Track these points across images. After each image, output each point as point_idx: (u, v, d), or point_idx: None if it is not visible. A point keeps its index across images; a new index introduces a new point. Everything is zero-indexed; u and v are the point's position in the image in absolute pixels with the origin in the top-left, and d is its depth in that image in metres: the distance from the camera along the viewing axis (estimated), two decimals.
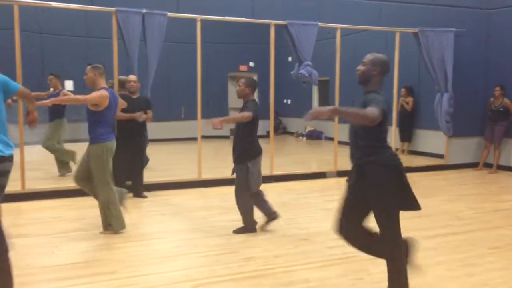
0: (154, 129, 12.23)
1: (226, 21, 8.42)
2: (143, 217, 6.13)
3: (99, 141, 5.04)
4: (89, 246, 4.85)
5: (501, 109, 9.17)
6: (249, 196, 5.29)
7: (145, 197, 7.06)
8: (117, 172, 5.87)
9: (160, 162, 9.86)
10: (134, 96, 6.96)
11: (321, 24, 8.46)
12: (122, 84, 7.13)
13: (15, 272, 4.01)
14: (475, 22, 9.71)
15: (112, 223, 5.22)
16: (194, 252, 4.67)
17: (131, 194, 6.69)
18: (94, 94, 4.99)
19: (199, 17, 7.77)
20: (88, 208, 6.32)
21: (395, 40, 9.22)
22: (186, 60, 12.99)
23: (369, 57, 3.62)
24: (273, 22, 8.25)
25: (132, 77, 6.96)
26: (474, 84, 9.78)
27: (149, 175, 8.07)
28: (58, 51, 12.89)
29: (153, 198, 7.04)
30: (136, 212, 6.34)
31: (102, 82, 5.11)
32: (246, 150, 5.23)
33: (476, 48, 9.76)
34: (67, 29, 13.28)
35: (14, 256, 4.39)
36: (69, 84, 12.69)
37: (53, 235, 5.21)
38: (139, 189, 7.11)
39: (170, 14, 7.48)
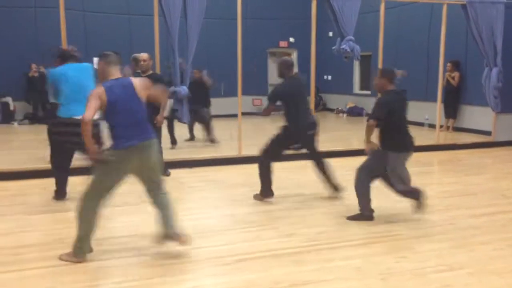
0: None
1: None
2: (184, 193, 6.22)
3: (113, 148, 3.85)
4: (133, 221, 4.96)
5: None
6: (367, 181, 4.91)
7: (168, 174, 6.82)
8: None
9: (200, 139, 9.96)
10: (144, 75, 6.48)
11: None
12: (136, 62, 6.72)
13: (57, 245, 4.19)
14: None
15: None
16: (235, 228, 4.72)
17: None
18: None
19: None
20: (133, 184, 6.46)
21: (442, 13, 8.88)
22: (226, 36, 12.98)
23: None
24: None
25: (144, 55, 6.62)
26: None
27: (190, 152, 8.19)
28: (100, 30, 13.10)
29: (194, 175, 7.13)
30: (177, 188, 6.44)
31: (113, 73, 3.91)
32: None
33: None
34: (109, 7, 13.46)
35: (56, 230, 4.59)
36: None
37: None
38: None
39: None
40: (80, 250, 3.89)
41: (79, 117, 4.09)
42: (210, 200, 5.86)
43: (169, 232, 4.03)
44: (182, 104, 7.67)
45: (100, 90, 3.77)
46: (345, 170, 7.39)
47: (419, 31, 11.52)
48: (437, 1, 9.08)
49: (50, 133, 5.62)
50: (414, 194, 4.86)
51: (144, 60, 6.58)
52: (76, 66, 5.46)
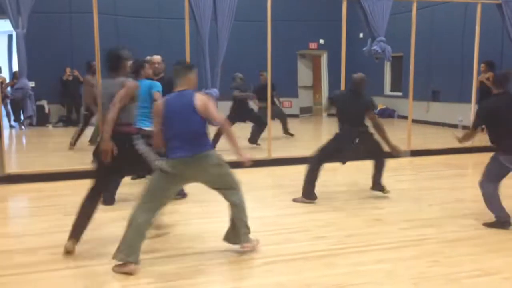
0: (223, 108, 12.42)
1: None
2: (214, 195, 6.19)
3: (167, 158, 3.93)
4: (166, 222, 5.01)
5: None
6: (493, 188, 4.83)
7: (184, 196, 6.14)
8: None
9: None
10: (157, 78, 6.24)
11: None
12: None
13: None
14: None
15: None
16: (264, 230, 4.71)
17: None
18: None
19: None
20: None
21: (476, 12, 8.69)
22: (255, 38, 13.00)
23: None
24: None
25: (157, 57, 6.49)
26: None
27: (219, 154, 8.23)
28: (132, 33, 13.33)
29: None
30: (207, 191, 6.43)
31: (179, 85, 4.00)
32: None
33: None
34: (141, 11, 13.70)
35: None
36: None
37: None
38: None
39: None
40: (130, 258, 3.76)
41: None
42: None
43: (232, 237, 4.17)
44: None
45: (159, 103, 3.97)
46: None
47: (453, 31, 11.31)
48: (472, 0, 8.88)
49: None
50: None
51: (158, 63, 6.49)
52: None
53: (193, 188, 6.46)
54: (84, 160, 7.20)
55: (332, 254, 4.09)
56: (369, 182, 6.73)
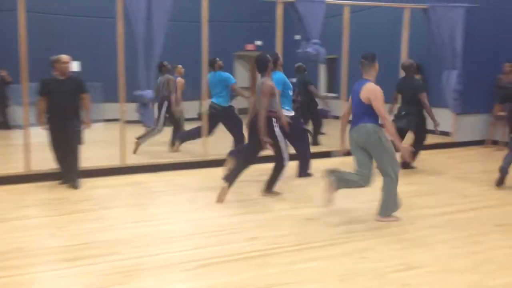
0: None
1: None
2: (150, 198, 6.16)
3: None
4: (93, 227, 4.87)
5: (510, 86, 8.99)
6: None
7: (76, 187, 6.36)
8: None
9: (166, 143, 9.89)
10: (63, 77, 6.32)
11: (329, 0, 8.34)
12: (55, 63, 6.35)
13: (16, 254, 4.10)
14: None
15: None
16: (199, 232, 4.69)
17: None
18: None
19: None
20: (93, 189, 6.38)
21: (404, 17, 9.06)
22: (191, 39, 12.91)
23: None
24: None
25: (64, 57, 6.34)
26: (483, 61, 9.61)
27: (155, 156, 8.12)
28: (63, 33, 12.90)
29: (159, 179, 7.07)
30: (142, 193, 6.38)
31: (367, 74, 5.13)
32: None
33: (487, 24, 9.56)
34: (72, 9, 13.27)
35: (16, 238, 4.49)
36: (75, 65, 12.70)
37: (57, 216, 5.27)
38: (72, 176, 6.42)
39: None
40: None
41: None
42: (175, 205, 5.82)
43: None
44: (147, 108, 7.59)
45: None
46: (312, 172, 7.48)
47: (384, 34, 11.72)
48: (399, 5, 9.25)
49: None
50: None
51: (65, 62, 6.32)
52: None
53: (130, 191, 6.39)
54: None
55: (266, 255, 4.13)
56: (303, 182, 6.88)
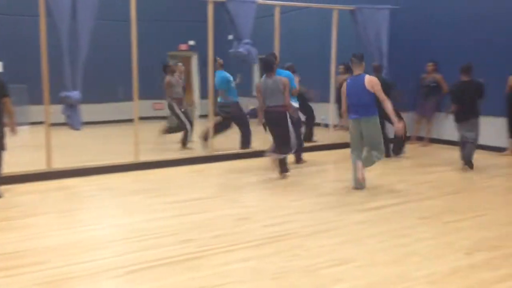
0: (90, 111, 11.87)
1: None
2: (78, 203, 5.94)
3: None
4: (19, 236, 4.64)
5: (432, 84, 9.46)
6: None
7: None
8: None
9: (96, 146, 9.61)
10: None
11: (260, 1, 8.39)
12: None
13: None
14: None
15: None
16: (129, 237, 4.58)
17: None
18: None
19: None
20: (18, 196, 6.08)
21: (333, 18, 9.29)
22: (123, 38, 12.60)
23: None
24: None
25: None
26: (408, 60, 10.04)
27: (84, 159, 7.86)
28: None
29: (89, 183, 6.84)
30: (71, 198, 6.16)
31: (355, 71, 6.28)
32: None
33: (411, 25, 10.00)
34: None
35: None
36: None
37: None
38: None
39: None
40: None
41: None
42: (106, 209, 5.65)
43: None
44: (74, 110, 7.31)
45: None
46: (243, 172, 7.51)
47: (315, 35, 11.97)
48: (328, 6, 9.47)
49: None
50: None
51: None
52: None
53: (58, 197, 6.13)
54: None
55: (198, 257, 4.08)
56: (238, 182, 6.91)
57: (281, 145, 6.89)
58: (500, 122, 8.49)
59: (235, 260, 4.01)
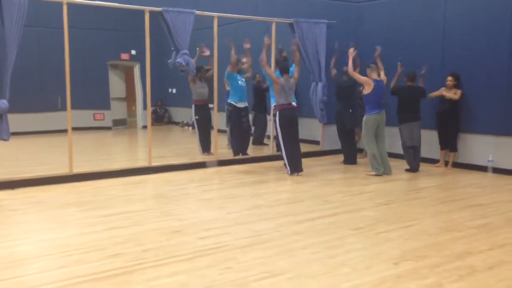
0: (23, 120, 11.40)
1: (97, 5, 8.00)
2: (2, 218, 5.64)
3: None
4: None
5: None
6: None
7: None
8: None
9: (29, 156, 9.21)
10: None
11: (197, 12, 8.35)
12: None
13: None
14: (346, 15, 10.23)
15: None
16: (55, 253, 4.37)
17: None
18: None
19: (65, 0, 7.26)
20: None
21: (272, 30, 9.39)
22: (60, 46, 12.23)
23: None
24: (147, 8, 7.99)
25: None
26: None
27: (15, 171, 7.51)
28: None
29: (17, 196, 6.53)
30: None
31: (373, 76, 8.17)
32: None
33: (347, 39, 10.26)
34: None
35: None
36: None
37: None
38: None
39: None
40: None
41: None
42: (32, 224, 5.39)
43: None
44: (1, 120, 6.93)
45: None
46: (181, 184, 7.41)
47: (255, 47, 12.01)
48: (267, 19, 9.57)
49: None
50: None
51: None
52: None
53: None
54: None
55: (127, 272, 3.95)
56: (174, 194, 6.80)
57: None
58: (433, 134, 8.83)
59: (165, 275, 3.91)
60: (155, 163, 8.29)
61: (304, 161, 9.29)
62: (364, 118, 8.09)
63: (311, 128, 10.95)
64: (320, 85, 9.55)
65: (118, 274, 3.92)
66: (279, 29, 9.48)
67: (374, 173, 7.97)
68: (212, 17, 8.72)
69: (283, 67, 8.09)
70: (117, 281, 3.79)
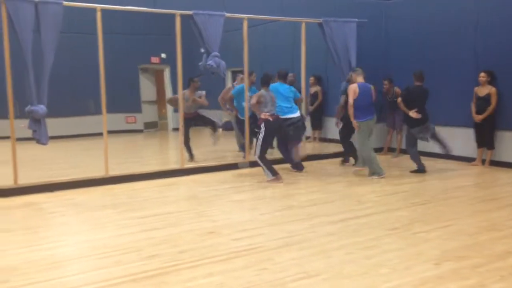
0: (57, 125, 11.65)
1: (129, 10, 8.13)
2: (43, 220, 5.79)
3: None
4: None
5: (395, 99, 9.52)
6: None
7: None
8: None
9: (65, 160, 9.42)
10: None
11: (227, 14, 8.39)
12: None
13: None
14: (376, 13, 10.12)
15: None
16: (93, 254, 4.46)
17: None
18: None
19: (99, 6, 7.41)
20: None
21: (301, 31, 9.35)
22: (92, 52, 12.47)
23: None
24: (178, 12, 8.07)
25: None
26: (375, 73, 10.14)
27: (53, 174, 7.70)
28: None
29: (56, 199, 6.68)
30: (35, 215, 6.00)
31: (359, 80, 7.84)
32: None
33: (376, 38, 10.16)
34: None
35: None
36: None
37: None
38: None
39: (66, 3, 7.05)
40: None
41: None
42: (71, 225, 5.51)
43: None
44: (40, 125, 7.13)
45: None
46: (213, 185, 7.44)
47: (284, 47, 12.03)
48: (296, 19, 9.54)
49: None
50: None
51: None
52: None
53: (21, 214, 5.96)
54: None
55: (164, 273, 4.00)
56: (207, 195, 6.85)
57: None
58: (470, 132, 8.64)
59: (201, 276, 3.93)
60: (187, 165, 8.37)
61: (335, 161, 9.28)
62: (357, 125, 7.63)
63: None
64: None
65: (155, 275, 3.96)
66: (309, 29, 9.42)
67: (376, 176, 7.63)
68: (241, 19, 8.74)
69: (265, 81, 7.78)
70: (155, 281, 3.83)
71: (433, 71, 8.89)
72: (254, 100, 7.54)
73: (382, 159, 9.39)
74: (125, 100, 14.44)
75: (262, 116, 7.50)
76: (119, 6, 7.96)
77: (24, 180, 7.02)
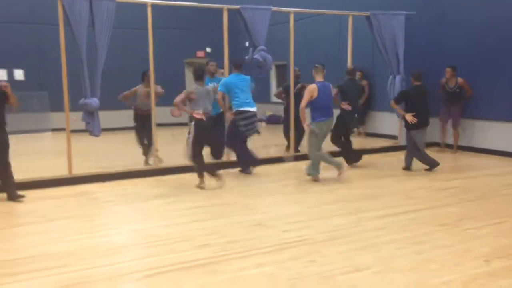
0: (109, 117, 12.00)
1: (178, 5, 8.28)
2: (97, 209, 6.03)
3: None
4: (40, 240, 4.73)
5: (457, 90, 9.26)
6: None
7: (20, 199, 6.16)
8: None
9: (115, 152, 9.72)
10: None
11: (274, 8, 8.43)
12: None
13: None
14: (426, 5, 9.90)
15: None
16: (147, 242, 4.63)
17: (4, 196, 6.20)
18: None
19: (149, 1, 7.60)
20: (39, 201, 6.19)
21: (348, 24, 9.29)
22: (141, 46, 12.75)
23: None
24: (225, 6, 8.17)
25: None
26: (426, 66, 9.94)
27: (104, 165, 7.96)
28: (6, 39, 12.49)
29: (108, 188, 6.93)
30: (90, 204, 6.24)
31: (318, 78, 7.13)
32: None
33: (426, 30, 9.94)
34: (13, 16, 12.90)
35: None
36: (18, 74, 12.30)
37: (1, 230, 5.08)
38: (9, 192, 6.19)
39: None
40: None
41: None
42: (123, 214, 5.72)
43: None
44: (93, 117, 7.40)
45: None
46: (260, 178, 7.52)
47: (330, 40, 11.97)
48: (343, 13, 9.47)
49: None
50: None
51: None
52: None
53: (77, 202, 6.22)
54: None
55: (214, 262, 4.11)
56: (254, 187, 6.93)
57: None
58: None
59: (251, 266, 4.02)
60: (234, 158, 8.47)
61: (382, 156, 9.19)
62: (311, 125, 6.98)
63: (386, 122, 10.76)
64: (398, 78, 9.33)
65: (206, 263, 4.08)
66: (355, 22, 9.34)
67: (312, 177, 7.17)
68: (287, 13, 8.75)
69: (199, 75, 7.04)
70: (206, 270, 3.95)
71: (496, 57, 8.58)
72: (178, 99, 6.77)
73: (438, 156, 9.24)
74: (171, 93, 14.64)
75: (195, 115, 6.73)
76: (168, 1, 8.12)
77: (78, 170, 7.31)
